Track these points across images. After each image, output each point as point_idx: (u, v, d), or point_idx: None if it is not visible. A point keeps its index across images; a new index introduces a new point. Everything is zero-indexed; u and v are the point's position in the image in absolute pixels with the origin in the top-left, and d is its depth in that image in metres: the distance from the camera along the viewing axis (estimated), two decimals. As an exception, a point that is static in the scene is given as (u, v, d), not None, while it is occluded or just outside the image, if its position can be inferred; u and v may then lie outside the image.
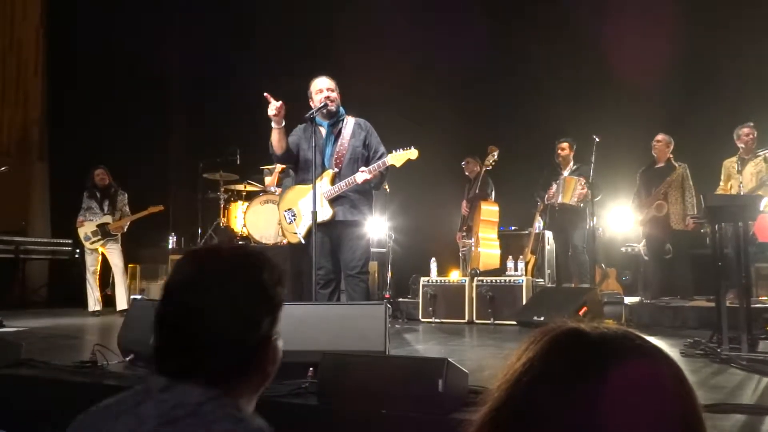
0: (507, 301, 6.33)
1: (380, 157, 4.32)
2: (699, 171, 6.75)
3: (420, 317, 6.64)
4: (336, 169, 4.32)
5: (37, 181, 9.85)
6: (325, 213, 4.23)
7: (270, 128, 4.30)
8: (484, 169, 7.36)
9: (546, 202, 7.08)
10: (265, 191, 8.31)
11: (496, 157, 7.20)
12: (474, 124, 8.47)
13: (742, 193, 5.78)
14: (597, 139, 6.31)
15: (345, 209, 4.28)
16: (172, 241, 9.09)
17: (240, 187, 8.77)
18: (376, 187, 4.48)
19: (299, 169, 4.46)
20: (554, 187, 6.97)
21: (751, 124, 6.22)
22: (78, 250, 8.62)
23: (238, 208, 8.58)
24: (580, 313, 5.19)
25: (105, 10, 9.19)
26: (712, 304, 4.82)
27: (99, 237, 7.45)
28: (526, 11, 8.56)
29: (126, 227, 7.63)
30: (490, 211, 7.31)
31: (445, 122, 8.39)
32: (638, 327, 5.83)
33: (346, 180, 4.23)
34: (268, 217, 7.94)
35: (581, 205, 6.76)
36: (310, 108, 4.35)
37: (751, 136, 6.16)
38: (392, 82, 8.29)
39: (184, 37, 10.11)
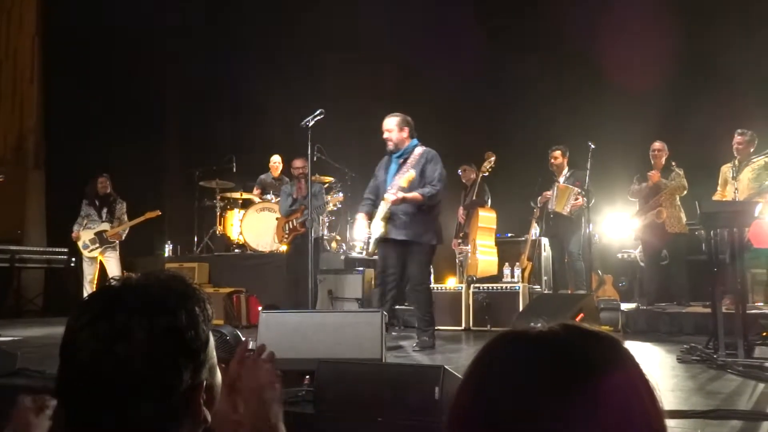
0: (504, 307, 6.32)
1: (432, 183, 4.86)
2: (695, 176, 6.77)
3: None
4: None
5: (33, 189, 9.82)
6: (377, 230, 4.93)
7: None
8: (480, 175, 7.37)
9: (539, 206, 7.10)
10: (262, 199, 8.32)
11: (492, 162, 7.19)
12: (470, 132, 8.49)
13: (737, 199, 5.80)
14: (592, 146, 6.33)
15: (395, 229, 4.86)
16: (168, 249, 9.07)
17: (236, 194, 8.77)
18: (424, 207, 4.89)
19: (377, 195, 5.12)
20: (550, 192, 6.99)
21: (741, 131, 6.23)
22: (74, 259, 8.59)
23: (234, 216, 8.57)
24: (577, 319, 5.20)
25: (101, 19, 9.20)
26: (709, 310, 4.83)
27: (97, 245, 7.43)
28: (521, 18, 8.60)
29: (124, 235, 7.61)
30: (487, 218, 7.31)
31: (441, 129, 8.39)
32: (635, 333, 5.85)
33: (383, 202, 4.89)
34: (264, 224, 7.94)
35: (573, 215, 6.77)
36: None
37: (742, 145, 6.18)
38: (387, 89, 8.31)
39: (181, 46, 10.13)
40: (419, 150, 4.99)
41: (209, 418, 0.94)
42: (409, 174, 4.75)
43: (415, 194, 4.78)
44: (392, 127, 4.95)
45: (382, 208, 4.91)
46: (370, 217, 5.12)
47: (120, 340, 0.86)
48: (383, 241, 4.97)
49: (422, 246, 4.94)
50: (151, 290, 0.92)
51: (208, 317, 0.95)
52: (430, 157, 4.97)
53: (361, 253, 5.26)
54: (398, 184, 4.74)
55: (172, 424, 0.90)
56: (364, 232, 5.24)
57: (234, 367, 1.11)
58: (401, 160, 4.98)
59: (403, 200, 4.76)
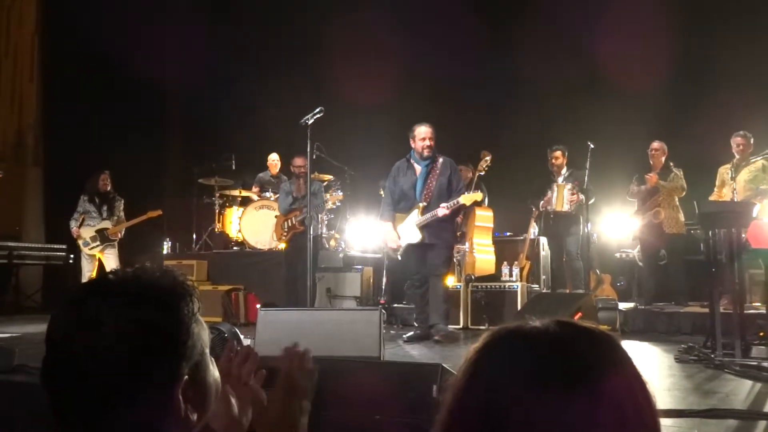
0: (502, 306, 6.32)
1: (459, 191, 5.43)
2: (693, 177, 6.77)
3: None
4: (425, 203, 5.40)
5: (32, 186, 9.81)
6: (416, 237, 5.37)
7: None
8: (477, 174, 7.34)
9: (541, 209, 7.09)
10: (260, 197, 8.32)
11: (489, 162, 7.15)
12: (467, 131, 8.47)
13: (735, 200, 5.81)
14: (591, 146, 6.33)
15: (430, 234, 5.34)
16: (167, 246, 9.07)
17: (235, 192, 8.77)
18: (453, 216, 5.60)
19: (395, 200, 5.57)
20: (549, 194, 6.99)
21: (742, 133, 6.24)
22: (72, 255, 8.58)
23: (233, 214, 8.58)
24: (575, 318, 5.20)
25: (101, 17, 9.19)
26: (706, 310, 4.84)
27: (98, 243, 7.42)
28: (519, 17, 8.59)
29: (123, 232, 7.61)
30: (484, 216, 7.29)
31: (438, 129, 8.39)
32: (633, 332, 5.87)
33: (431, 213, 5.32)
34: (263, 222, 7.94)
35: (573, 211, 6.77)
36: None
37: (742, 147, 6.18)
38: (384, 89, 8.30)
39: (180, 43, 10.13)
40: (441, 158, 5.50)
41: (194, 417, 0.93)
42: (477, 193, 5.38)
43: (453, 205, 5.35)
44: (432, 136, 5.46)
45: (418, 217, 5.36)
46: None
47: (88, 327, 0.87)
48: (415, 246, 5.41)
49: (449, 246, 5.62)
50: (135, 282, 0.92)
51: (193, 311, 0.94)
52: (454, 167, 5.58)
53: (395, 256, 5.75)
54: (460, 201, 5.29)
55: (148, 415, 0.89)
56: (395, 240, 5.52)
57: (222, 365, 1.11)
58: (430, 167, 5.47)
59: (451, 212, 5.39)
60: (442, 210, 5.27)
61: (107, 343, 0.87)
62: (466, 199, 5.30)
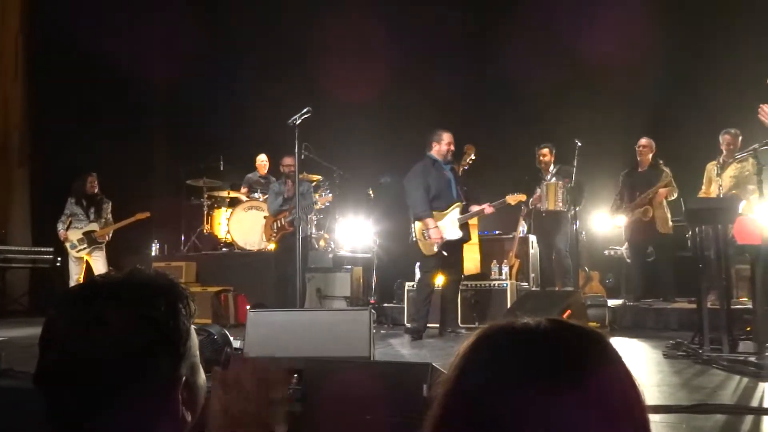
0: (492, 305, 6.34)
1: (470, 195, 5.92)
2: (681, 174, 6.82)
3: (405, 322, 6.63)
4: (464, 202, 5.76)
5: (18, 187, 9.71)
6: (457, 233, 5.68)
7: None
8: (461, 169, 7.30)
9: (530, 207, 7.10)
10: (249, 198, 8.29)
11: (472, 156, 7.11)
12: (455, 129, 8.45)
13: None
14: (579, 144, 6.35)
15: (464, 232, 5.75)
16: (155, 248, 9.02)
17: (224, 193, 8.73)
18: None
19: (432, 198, 5.73)
20: (538, 192, 7.00)
21: (732, 131, 6.26)
22: (59, 258, 8.50)
23: (221, 215, 8.54)
24: (564, 316, 5.22)
25: (86, 16, 9.11)
26: (694, 306, 4.87)
27: (85, 245, 7.35)
28: (507, 13, 8.61)
29: (110, 235, 7.55)
30: (468, 214, 7.30)
31: (425, 126, 8.39)
32: (621, 329, 5.91)
33: (475, 210, 5.78)
34: (252, 223, 7.91)
35: (563, 209, 6.80)
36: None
37: (731, 146, 6.21)
38: (373, 89, 8.30)
39: (168, 43, 10.07)
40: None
41: (189, 418, 0.92)
42: (522, 195, 5.84)
43: (499, 204, 5.85)
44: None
45: (459, 215, 5.69)
46: None
47: (94, 326, 0.86)
48: (449, 243, 5.66)
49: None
50: (132, 282, 0.92)
51: (190, 313, 0.94)
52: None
53: (437, 251, 5.73)
54: (506, 200, 5.77)
55: (149, 416, 0.88)
56: (441, 235, 5.65)
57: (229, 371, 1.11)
58: (452, 171, 5.88)
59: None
60: (490, 209, 5.79)
61: (111, 343, 0.86)
62: (512, 199, 5.77)
